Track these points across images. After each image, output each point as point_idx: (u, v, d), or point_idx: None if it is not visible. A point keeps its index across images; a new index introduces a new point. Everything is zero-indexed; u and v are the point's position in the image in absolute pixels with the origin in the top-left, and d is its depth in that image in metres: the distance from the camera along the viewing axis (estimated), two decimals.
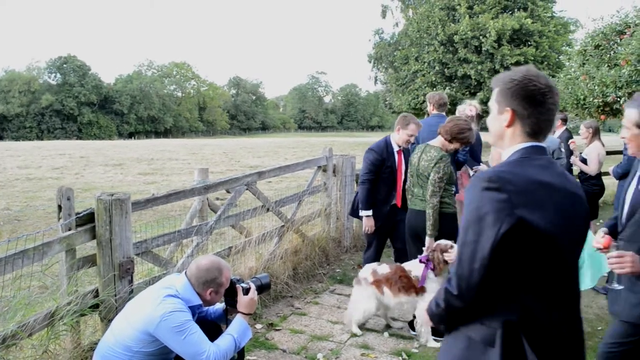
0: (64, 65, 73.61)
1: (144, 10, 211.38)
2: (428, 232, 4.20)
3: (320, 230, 6.37)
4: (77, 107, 72.24)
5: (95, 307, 3.37)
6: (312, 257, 5.92)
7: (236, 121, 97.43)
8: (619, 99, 8.52)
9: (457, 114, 5.89)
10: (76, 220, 3.28)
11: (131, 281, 3.48)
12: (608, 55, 9.58)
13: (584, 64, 9.90)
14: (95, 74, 76.15)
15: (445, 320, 1.78)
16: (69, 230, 3.24)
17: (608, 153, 7.93)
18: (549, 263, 1.61)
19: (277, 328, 4.52)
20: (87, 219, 3.33)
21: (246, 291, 3.03)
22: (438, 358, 1.89)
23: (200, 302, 2.87)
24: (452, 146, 4.31)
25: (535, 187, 1.59)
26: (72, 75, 72.87)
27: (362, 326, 4.53)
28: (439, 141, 4.34)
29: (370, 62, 39.63)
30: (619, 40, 9.36)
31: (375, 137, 54.80)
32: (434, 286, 4.09)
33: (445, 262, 4.04)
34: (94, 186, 13.88)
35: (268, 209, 5.31)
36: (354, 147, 29.16)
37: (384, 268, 4.36)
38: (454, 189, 4.50)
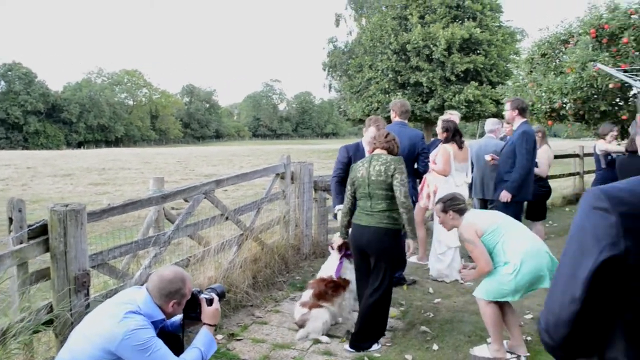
0: (9, 73, 70.94)
1: (92, 17, 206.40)
2: (411, 235, 4.20)
3: (279, 238, 6.34)
4: (22, 116, 69.70)
5: (49, 322, 3.25)
6: (271, 265, 5.89)
7: (189, 129, 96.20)
8: (564, 105, 8.86)
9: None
10: (28, 232, 3.15)
11: (87, 295, 3.37)
12: (554, 63, 9.95)
13: (531, 71, 10.25)
14: (42, 82, 73.77)
15: (549, 353, 1.43)
16: (21, 243, 3.12)
17: (555, 157, 8.20)
18: None
19: (239, 338, 4.46)
20: (40, 231, 3.21)
21: (209, 302, 2.98)
22: None
23: (162, 316, 2.79)
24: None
25: None
26: (18, 83, 70.25)
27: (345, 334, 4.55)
28: (382, 151, 4.36)
29: (324, 70, 39.91)
30: (563, 49, 9.74)
31: (330, 145, 54.91)
32: (348, 272, 4.62)
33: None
34: (42, 197, 13.41)
35: (227, 218, 5.25)
36: (310, 155, 29.24)
37: (307, 292, 4.58)
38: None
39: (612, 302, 1.24)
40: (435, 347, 4.27)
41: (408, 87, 29.40)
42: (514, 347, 4.12)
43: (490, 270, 3.93)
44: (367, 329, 4.25)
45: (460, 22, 29.34)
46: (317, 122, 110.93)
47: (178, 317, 3.11)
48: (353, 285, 4.61)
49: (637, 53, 8.36)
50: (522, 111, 5.86)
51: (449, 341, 4.39)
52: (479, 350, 4.15)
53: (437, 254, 6.15)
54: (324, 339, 4.43)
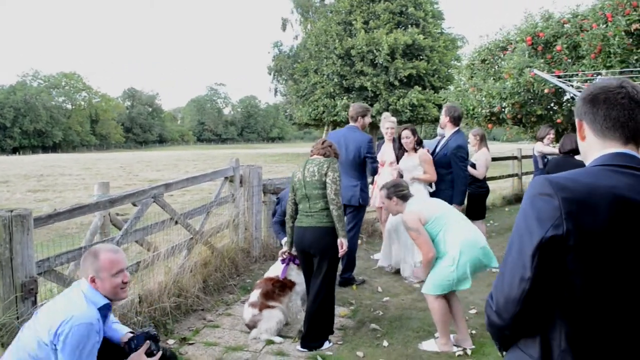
0: None
1: (27, 18, 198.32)
2: (341, 232, 4.28)
3: (229, 242, 6.33)
4: None
5: None
6: (221, 268, 5.87)
7: (132, 134, 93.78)
8: (503, 109, 9.26)
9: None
10: None
11: (35, 302, 3.28)
12: (493, 69, 10.36)
13: (472, 77, 10.64)
14: None
15: (493, 337, 1.57)
16: None
17: (493, 159, 8.55)
18: (604, 291, 1.35)
19: (190, 342, 4.44)
20: None
21: (149, 354, 2.89)
22: None
23: (106, 300, 2.71)
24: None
25: (601, 198, 1.34)
26: None
27: (294, 335, 4.60)
28: (318, 156, 4.44)
29: (270, 74, 39.90)
30: (502, 56, 10.16)
31: (276, 149, 54.77)
32: (294, 274, 4.71)
33: None
34: None
35: (176, 222, 5.20)
36: (257, 159, 29.13)
37: (255, 293, 4.65)
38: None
39: (554, 283, 1.36)
40: (385, 343, 4.39)
41: (353, 92, 29.79)
42: (460, 340, 4.29)
43: (434, 256, 4.10)
44: (316, 329, 4.32)
45: (403, 28, 30.02)
46: (263, 126, 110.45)
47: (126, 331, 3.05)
48: (300, 287, 4.70)
49: (569, 60, 8.83)
50: (454, 120, 6.08)
51: (398, 337, 4.52)
52: (427, 344, 4.31)
53: (416, 262, 5.96)
54: (277, 339, 4.47)
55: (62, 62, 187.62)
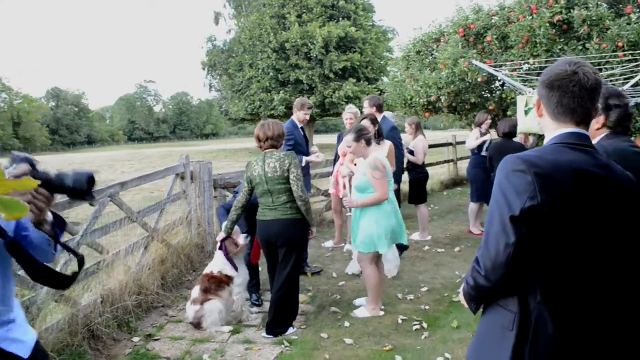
0: None
1: None
2: (311, 222, 4.49)
3: (183, 238, 6.35)
4: None
5: None
6: (178, 264, 5.91)
7: (58, 136, 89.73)
8: (440, 98, 9.69)
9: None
10: None
11: None
12: (427, 60, 10.78)
13: (408, 67, 11.03)
14: None
15: (474, 299, 1.80)
16: None
17: (430, 146, 8.94)
18: (571, 249, 1.61)
19: (156, 338, 4.49)
20: None
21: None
22: (470, 342, 1.95)
23: None
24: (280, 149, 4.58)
25: (563, 173, 1.60)
26: None
27: (239, 323, 4.72)
28: (274, 150, 4.52)
29: (204, 69, 39.32)
30: (435, 47, 10.59)
31: (211, 145, 53.88)
32: (230, 269, 4.72)
33: (236, 245, 4.73)
34: None
35: (133, 220, 5.21)
36: (193, 156, 28.72)
37: (195, 289, 4.73)
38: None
39: (532, 246, 1.58)
40: (346, 323, 4.61)
41: (289, 85, 29.94)
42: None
43: (386, 199, 4.52)
44: (281, 316, 4.48)
45: (335, 21, 30.38)
46: (196, 123, 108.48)
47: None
48: (239, 279, 4.74)
49: (499, 50, 9.34)
50: (379, 107, 6.53)
51: (357, 317, 4.76)
52: (359, 312, 4.81)
53: None
54: (225, 328, 4.60)
55: None
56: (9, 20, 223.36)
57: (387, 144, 5.77)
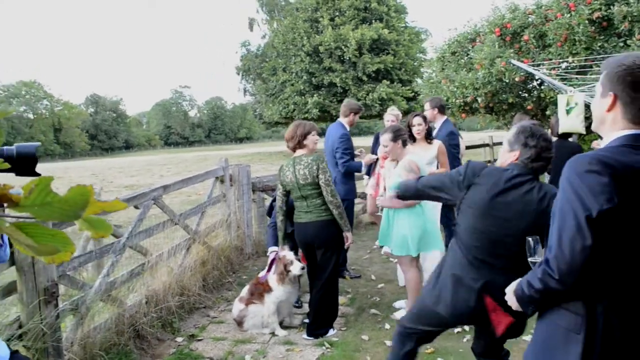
0: None
1: None
2: (345, 228, 4.47)
3: (223, 240, 6.45)
4: None
5: (19, 336, 3.24)
6: (218, 266, 6.01)
7: (97, 141, 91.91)
8: (477, 99, 9.60)
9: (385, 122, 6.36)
10: None
11: (57, 305, 3.38)
12: (463, 60, 10.69)
13: (443, 69, 10.96)
14: None
15: (537, 303, 1.76)
16: None
17: (467, 147, 8.85)
18: None
19: (199, 338, 4.58)
20: None
21: None
22: (528, 345, 1.92)
23: None
24: (308, 148, 4.52)
25: (634, 175, 1.56)
26: None
27: (281, 324, 4.77)
28: (302, 150, 4.51)
29: (238, 74, 39.75)
30: (471, 47, 10.50)
31: (245, 149, 54.47)
32: (274, 282, 4.65)
33: (286, 273, 4.57)
34: None
35: (176, 223, 5.33)
36: (228, 160, 29.03)
37: (245, 289, 4.84)
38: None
39: (606, 249, 1.55)
40: (387, 326, 4.61)
41: (322, 88, 30.01)
42: None
43: (416, 204, 4.43)
44: (321, 317, 4.51)
45: (368, 23, 30.33)
46: (230, 127, 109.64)
47: None
48: (276, 294, 4.65)
49: (537, 49, 9.20)
50: (441, 109, 6.26)
51: (398, 318, 4.75)
52: (400, 314, 4.76)
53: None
54: (266, 330, 4.66)
55: (21, 71, 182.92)
56: (46, 28, 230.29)
57: (437, 145, 5.55)
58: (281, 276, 4.58)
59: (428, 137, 5.48)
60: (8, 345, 2.11)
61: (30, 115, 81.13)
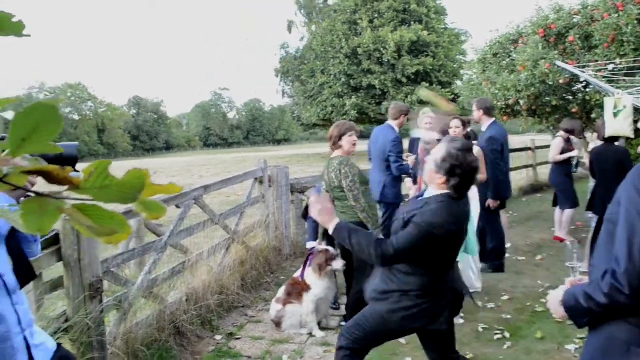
0: None
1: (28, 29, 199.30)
2: (370, 227, 4.37)
3: (261, 240, 6.51)
4: None
5: (64, 330, 3.33)
6: (257, 266, 6.06)
7: (138, 142, 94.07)
8: (519, 101, 9.39)
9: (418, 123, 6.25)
10: (41, 243, 3.23)
11: (101, 301, 3.47)
12: (505, 62, 10.49)
13: (484, 70, 10.77)
14: None
15: (596, 316, 1.66)
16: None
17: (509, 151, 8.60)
18: None
19: (237, 337, 4.62)
20: (52, 241, 3.29)
21: None
22: (580, 357, 1.84)
23: None
24: (343, 149, 4.45)
25: None
26: None
27: (318, 326, 4.77)
28: (338, 151, 4.48)
29: (277, 76, 40.05)
30: (513, 49, 10.28)
31: (283, 150, 54.89)
32: (316, 281, 4.66)
33: (326, 264, 4.61)
34: None
35: (216, 223, 5.40)
36: (268, 161, 29.26)
37: (281, 289, 4.86)
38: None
39: None
40: None
41: (361, 90, 29.95)
42: None
43: None
44: None
45: (407, 25, 30.13)
46: (268, 128, 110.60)
47: None
48: (315, 291, 4.69)
49: (582, 50, 8.95)
50: (487, 110, 6.13)
51: None
52: None
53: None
54: (303, 330, 4.66)
55: (66, 73, 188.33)
56: (91, 31, 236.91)
57: (475, 152, 5.45)
58: (320, 267, 4.61)
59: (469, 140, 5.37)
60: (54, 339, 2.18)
61: (75, 117, 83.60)
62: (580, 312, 1.69)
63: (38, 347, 2.02)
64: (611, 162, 5.82)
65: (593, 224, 6.37)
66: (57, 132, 0.64)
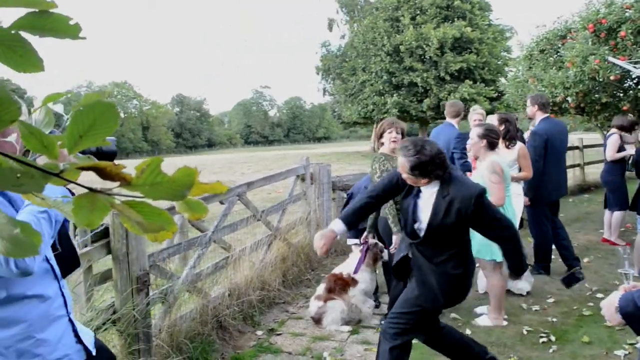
0: None
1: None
2: (393, 229, 4.34)
3: (302, 238, 6.53)
4: None
5: (112, 322, 3.42)
6: (298, 263, 6.09)
7: (181, 139, 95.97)
8: (567, 99, 9.15)
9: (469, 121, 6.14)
10: (91, 236, 3.33)
11: (147, 294, 3.55)
12: (552, 58, 10.22)
13: (531, 67, 10.52)
14: (31, 98, 73.50)
15: None
16: (85, 246, 3.30)
17: None
18: None
19: (278, 333, 4.66)
20: (102, 235, 3.39)
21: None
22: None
23: None
24: (384, 146, 4.48)
25: None
26: None
27: (357, 324, 4.76)
28: (382, 148, 4.54)
29: (318, 74, 40.13)
30: (561, 45, 10.02)
31: (323, 149, 54.94)
32: (365, 275, 4.79)
33: (377, 260, 4.79)
34: None
35: (258, 219, 5.45)
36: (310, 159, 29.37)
37: (321, 286, 4.91)
38: None
39: None
40: (468, 331, 4.48)
41: (403, 88, 29.70)
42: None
43: (502, 205, 4.29)
44: None
45: (450, 22, 29.69)
46: (309, 126, 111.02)
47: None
48: (362, 285, 4.78)
49: (634, 46, 8.64)
50: (542, 106, 5.92)
51: (479, 326, 4.61)
52: (481, 320, 4.67)
53: None
54: (344, 328, 4.66)
55: (113, 72, 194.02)
56: (136, 30, 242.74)
57: (517, 149, 5.33)
58: (375, 261, 4.81)
59: (509, 139, 5.28)
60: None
61: (121, 114, 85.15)
62: (636, 315, 1.66)
63: (82, 330, 2.14)
64: None
65: (639, 226, 6.15)
66: (114, 130, 0.66)
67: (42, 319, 1.93)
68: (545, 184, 5.81)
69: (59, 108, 1.82)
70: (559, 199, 6.18)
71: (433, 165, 2.88)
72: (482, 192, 2.93)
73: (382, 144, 4.47)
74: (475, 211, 2.88)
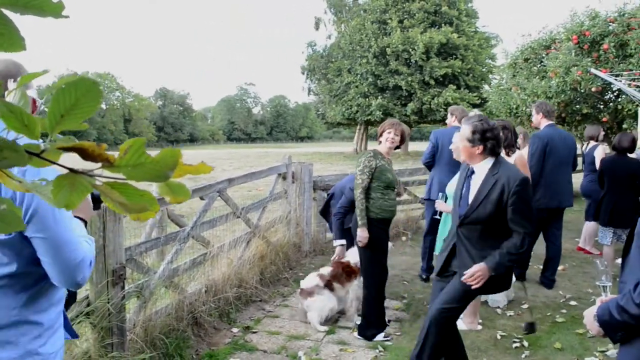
0: None
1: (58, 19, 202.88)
2: (359, 222, 4.35)
3: (282, 236, 6.51)
4: None
5: (86, 314, 3.37)
6: (276, 262, 6.07)
7: (163, 133, 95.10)
8: None
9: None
10: None
11: (123, 287, 3.50)
12: (536, 68, 10.34)
13: (514, 75, 10.64)
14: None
15: (628, 328, 1.67)
16: None
17: None
18: None
19: (254, 331, 4.63)
20: None
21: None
22: None
23: None
24: (381, 145, 4.51)
25: None
26: None
27: (334, 324, 4.76)
28: (377, 146, 4.59)
29: (303, 73, 40.10)
30: (545, 55, 10.14)
31: (306, 148, 54.77)
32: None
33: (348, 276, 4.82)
34: None
35: (238, 216, 5.41)
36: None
37: (326, 269, 4.89)
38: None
39: None
40: None
41: (387, 91, 29.84)
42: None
43: None
44: (366, 318, 4.50)
45: (437, 27, 29.92)
46: (292, 125, 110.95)
47: None
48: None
49: (616, 59, 8.78)
50: (547, 114, 5.84)
51: None
52: (458, 323, 4.63)
53: None
54: (321, 328, 4.65)
55: (95, 62, 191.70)
56: (122, 21, 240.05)
57: (515, 156, 5.12)
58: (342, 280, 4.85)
59: (508, 146, 5.12)
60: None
61: (103, 106, 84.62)
62: (615, 326, 1.69)
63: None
64: (623, 175, 5.69)
65: (600, 234, 6.19)
66: (96, 109, 0.64)
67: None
68: (539, 188, 5.71)
69: (32, 93, 1.78)
70: (559, 208, 5.90)
71: (492, 134, 3.08)
72: (527, 179, 3.08)
73: (380, 142, 4.50)
74: (515, 193, 3.02)
